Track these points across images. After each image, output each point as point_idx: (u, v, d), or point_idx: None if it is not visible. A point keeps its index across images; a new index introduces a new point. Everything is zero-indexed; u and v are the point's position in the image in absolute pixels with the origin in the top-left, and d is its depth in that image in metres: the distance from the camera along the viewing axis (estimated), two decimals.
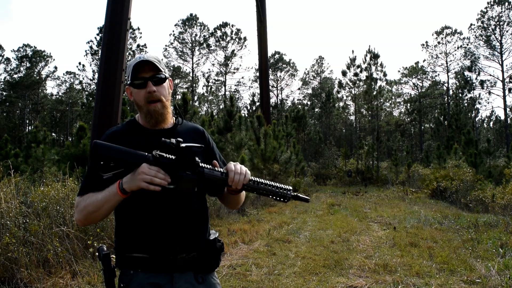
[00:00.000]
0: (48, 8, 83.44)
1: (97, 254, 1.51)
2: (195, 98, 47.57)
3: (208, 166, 1.39)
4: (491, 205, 10.68)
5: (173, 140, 1.35)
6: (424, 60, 46.94)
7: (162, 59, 2.02)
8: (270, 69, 45.52)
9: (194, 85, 46.65)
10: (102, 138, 1.59)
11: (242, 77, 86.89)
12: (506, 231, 7.01)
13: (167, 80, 1.58)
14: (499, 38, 37.79)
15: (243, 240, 6.53)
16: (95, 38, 36.73)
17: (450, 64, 41.82)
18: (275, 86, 50.02)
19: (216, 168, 1.39)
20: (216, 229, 7.21)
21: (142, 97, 1.53)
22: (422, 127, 44.67)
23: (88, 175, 1.54)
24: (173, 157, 1.35)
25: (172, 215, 1.49)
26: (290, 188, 1.42)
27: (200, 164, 1.37)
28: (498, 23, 37.53)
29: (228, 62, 45.73)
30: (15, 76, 42.55)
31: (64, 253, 4.41)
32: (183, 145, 1.34)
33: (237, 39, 45.01)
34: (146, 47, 39.27)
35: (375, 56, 32.64)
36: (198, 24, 44.74)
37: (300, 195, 1.43)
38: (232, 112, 13.18)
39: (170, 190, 1.37)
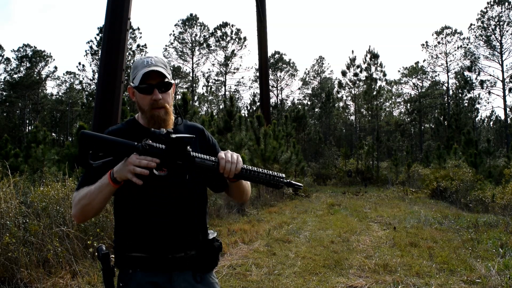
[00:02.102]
0: (48, 8, 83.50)
1: (96, 254, 1.52)
2: (195, 98, 47.58)
3: (200, 155, 1.37)
4: (491, 205, 10.68)
5: (163, 131, 1.34)
6: (424, 60, 46.92)
7: (168, 57, 2.01)
8: (270, 69, 45.51)
9: (194, 85, 46.67)
10: None
11: (242, 77, 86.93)
12: (506, 231, 7.01)
13: (172, 85, 1.59)
14: (499, 38, 37.79)
15: (243, 240, 6.53)
16: (95, 38, 36.73)
17: (450, 64, 41.86)
18: (275, 86, 50.02)
19: (207, 157, 1.38)
20: (216, 229, 7.21)
21: (147, 103, 1.53)
22: (422, 127, 44.67)
23: (84, 173, 1.55)
24: (163, 146, 1.34)
25: (170, 214, 1.49)
26: (283, 175, 1.42)
27: (191, 154, 1.36)
28: (498, 23, 37.52)
29: (228, 62, 45.74)
30: (15, 76, 42.57)
31: (64, 253, 4.41)
32: (174, 136, 1.33)
33: (237, 39, 45.02)
34: (146, 47, 39.27)
35: (374, 56, 32.69)
36: (198, 24, 44.75)
37: (293, 182, 1.43)
38: (232, 112, 13.18)
39: (168, 185, 1.38)
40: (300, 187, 1.45)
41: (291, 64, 50.88)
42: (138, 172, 1.31)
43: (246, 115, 36.69)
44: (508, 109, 39.44)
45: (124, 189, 1.43)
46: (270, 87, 37.59)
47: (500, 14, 37.41)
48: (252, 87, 49.17)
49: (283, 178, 1.41)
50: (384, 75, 32.89)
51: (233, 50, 45.21)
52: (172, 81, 1.58)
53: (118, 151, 1.36)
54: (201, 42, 44.88)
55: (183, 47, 44.78)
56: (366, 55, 33.01)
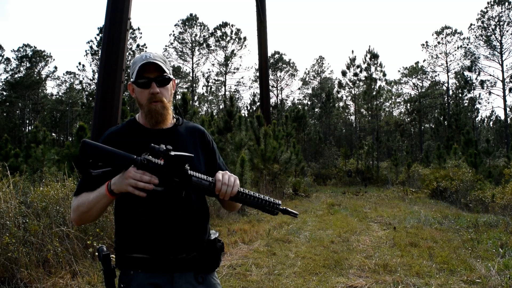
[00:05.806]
0: (47, 8, 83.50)
1: (97, 254, 1.52)
2: (195, 98, 47.56)
3: (197, 174, 1.39)
4: (491, 205, 10.68)
5: (163, 147, 1.35)
6: (424, 60, 47.00)
7: (168, 58, 2.02)
8: (270, 69, 45.51)
9: (194, 85, 46.64)
10: (101, 139, 1.59)
11: (242, 77, 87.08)
12: (506, 231, 7.01)
13: (171, 81, 1.59)
14: (499, 38, 37.77)
15: (243, 240, 6.53)
16: (95, 38, 36.70)
17: (450, 64, 41.83)
18: (275, 86, 50.01)
19: (205, 177, 1.40)
20: (216, 229, 7.21)
21: (145, 97, 1.53)
22: (422, 127, 44.65)
23: (83, 176, 1.55)
24: (162, 162, 1.35)
25: (172, 215, 1.49)
26: (279, 202, 1.41)
27: (189, 172, 1.37)
28: (498, 23, 37.50)
29: (228, 62, 45.70)
30: (15, 76, 42.54)
31: (64, 253, 4.41)
32: (173, 153, 1.34)
33: (237, 39, 44.99)
34: (146, 47, 39.23)
35: (374, 56, 32.69)
36: (198, 24, 44.72)
37: (289, 210, 1.42)
38: (232, 112, 13.18)
39: (161, 193, 1.38)
40: (296, 215, 1.43)
41: (291, 64, 50.89)
42: (141, 187, 1.33)
43: (246, 115, 36.71)
44: (508, 109, 39.47)
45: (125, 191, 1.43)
46: (270, 87, 37.57)
47: (500, 14, 37.40)
48: (252, 87, 49.22)
49: (279, 205, 1.41)
50: (384, 75, 32.91)
51: (233, 50, 45.20)
52: (171, 77, 1.58)
53: (116, 163, 1.37)
54: (201, 42, 44.86)
55: (183, 47, 44.78)
56: (366, 55, 33.03)
